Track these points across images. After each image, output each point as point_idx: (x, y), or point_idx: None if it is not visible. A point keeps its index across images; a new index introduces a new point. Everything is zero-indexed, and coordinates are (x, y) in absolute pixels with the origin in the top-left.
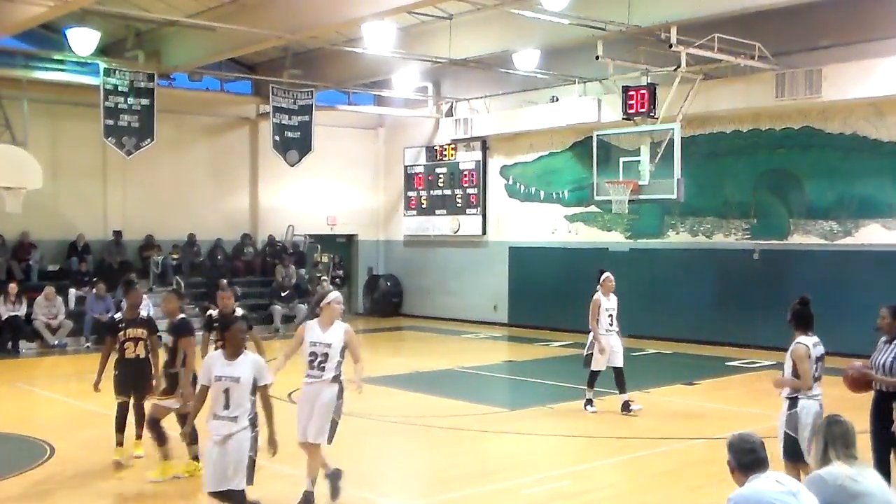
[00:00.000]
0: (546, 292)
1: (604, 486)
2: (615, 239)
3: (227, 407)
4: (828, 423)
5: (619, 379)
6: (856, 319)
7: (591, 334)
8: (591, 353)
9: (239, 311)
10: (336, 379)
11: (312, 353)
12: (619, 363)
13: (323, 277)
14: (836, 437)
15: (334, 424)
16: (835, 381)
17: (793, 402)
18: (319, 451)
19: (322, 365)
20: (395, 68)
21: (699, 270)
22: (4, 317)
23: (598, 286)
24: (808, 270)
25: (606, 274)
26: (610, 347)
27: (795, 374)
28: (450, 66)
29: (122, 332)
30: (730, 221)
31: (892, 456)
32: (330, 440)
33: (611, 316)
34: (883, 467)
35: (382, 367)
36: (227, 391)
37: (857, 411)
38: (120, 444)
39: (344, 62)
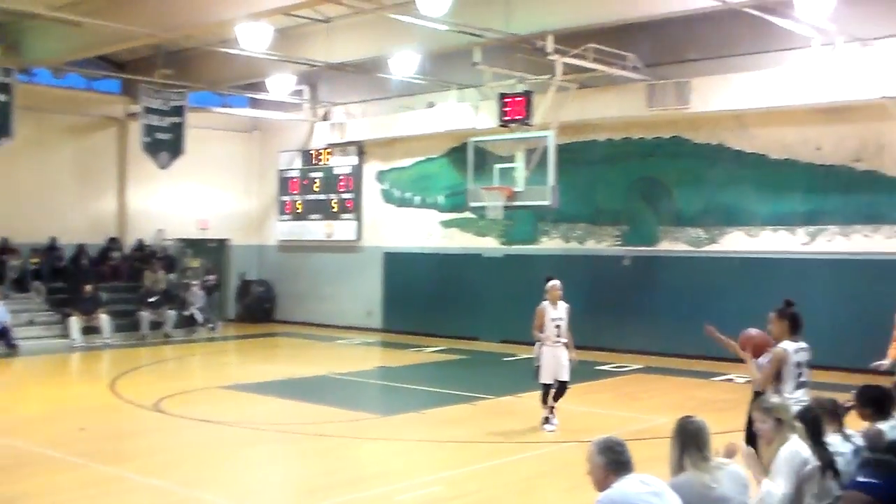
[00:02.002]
0: (420, 298)
1: (476, 491)
2: (490, 245)
3: None
4: (681, 426)
5: (559, 393)
6: (721, 323)
7: (538, 345)
8: (539, 366)
9: None
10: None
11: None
12: (565, 377)
13: (193, 283)
14: (688, 440)
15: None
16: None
17: (756, 395)
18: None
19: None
20: (271, 71)
21: (571, 276)
22: None
23: (545, 294)
24: (676, 276)
25: (552, 282)
26: (556, 360)
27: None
28: (326, 69)
29: None
30: (602, 228)
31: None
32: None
33: (558, 326)
34: None
35: (254, 373)
36: None
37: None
38: None
39: (218, 63)
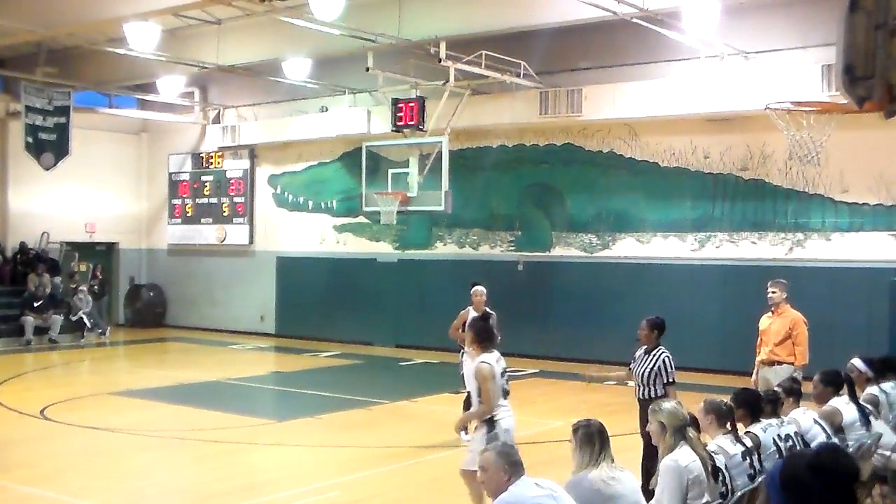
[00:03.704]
0: (315, 303)
1: (372, 496)
2: (384, 249)
3: None
4: (580, 427)
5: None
6: (612, 329)
7: (462, 352)
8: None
9: None
10: None
11: None
12: None
13: (80, 287)
14: (589, 440)
15: None
16: (593, 387)
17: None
18: None
19: None
20: (160, 72)
21: (466, 281)
22: None
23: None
24: (570, 281)
25: (475, 288)
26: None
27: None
28: (217, 71)
29: None
30: (496, 233)
31: None
32: None
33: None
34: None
35: (145, 379)
36: None
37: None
38: None
39: (105, 62)
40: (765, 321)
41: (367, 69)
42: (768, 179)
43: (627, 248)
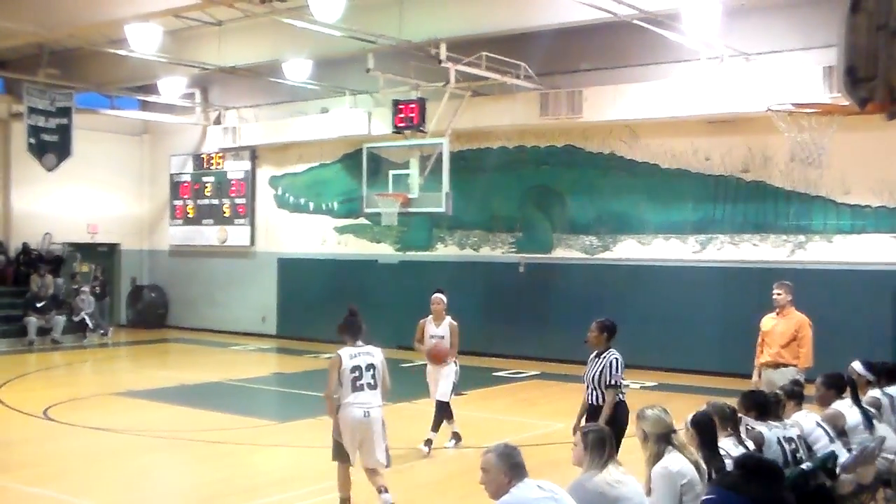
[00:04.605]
0: (316, 304)
1: (374, 498)
2: (385, 251)
3: None
4: (591, 430)
5: (437, 415)
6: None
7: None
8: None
9: None
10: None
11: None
12: (440, 396)
13: (82, 287)
14: (600, 444)
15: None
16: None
17: None
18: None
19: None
20: (162, 73)
21: (467, 283)
22: None
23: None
24: (571, 283)
25: (435, 295)
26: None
27: None
28: (218, 73)
29: None
30: (496, 235)
31: None
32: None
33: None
34: None
35: (147, 380)
36: None
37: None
38: None
39: (106, 64)
40: (768, 322)
41: (368, 70)
42: (770, 181)
43: (628, 249)
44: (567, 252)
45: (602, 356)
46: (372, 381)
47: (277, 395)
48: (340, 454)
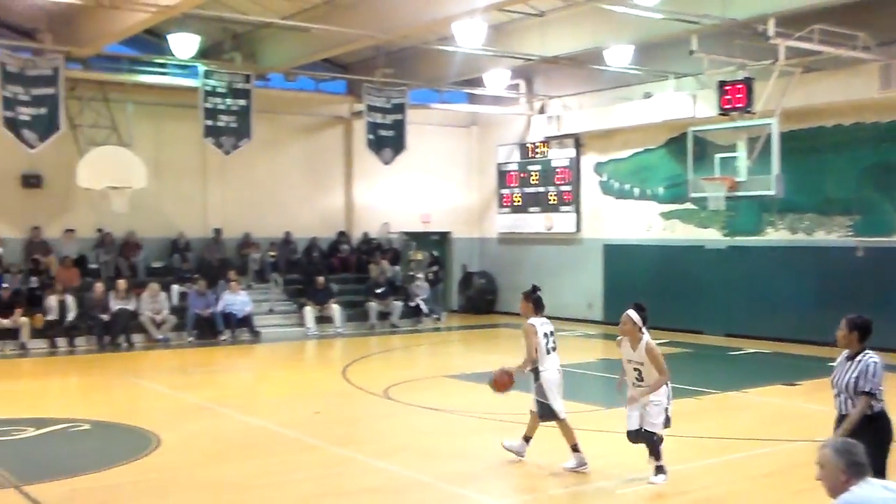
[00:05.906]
0: (641, 290)
1: (700, 488)
2: (712, 236)
3: None
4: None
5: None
6: None
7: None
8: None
9: None
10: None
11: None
12: (648, 427)
13: (417, 275)
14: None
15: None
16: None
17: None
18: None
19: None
20: (487, 66)
21: (799, 268)
22: (115, 308)
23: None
24: None
25: (625, 313)
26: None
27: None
28: (541, 63)
29: None
30: (831, 218)
31: None
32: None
33: (636, 369)
34: None
35: (477, 363)
36: None
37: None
38: None
39: (436, 61)
40: None
41: (691, 52)
42: None
43: None
44: None
45: (856, 359)
46: (554, 345)
47: (603, 380)
48: (551, 413)
